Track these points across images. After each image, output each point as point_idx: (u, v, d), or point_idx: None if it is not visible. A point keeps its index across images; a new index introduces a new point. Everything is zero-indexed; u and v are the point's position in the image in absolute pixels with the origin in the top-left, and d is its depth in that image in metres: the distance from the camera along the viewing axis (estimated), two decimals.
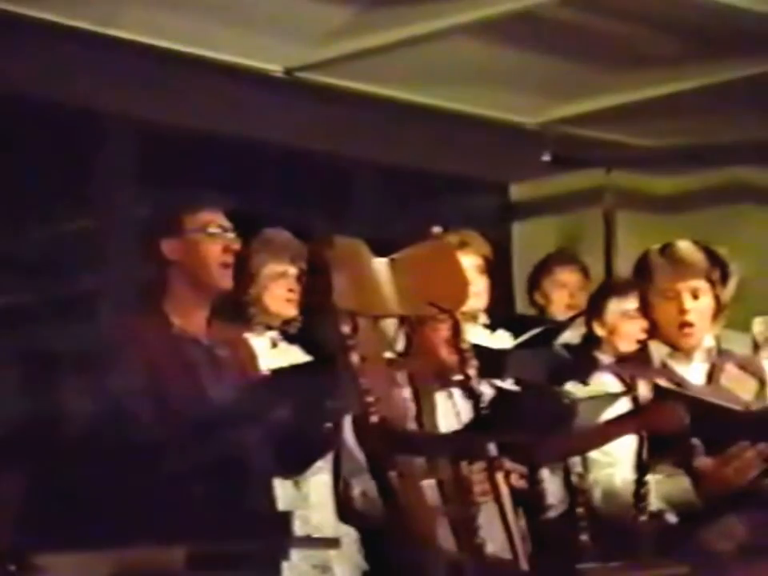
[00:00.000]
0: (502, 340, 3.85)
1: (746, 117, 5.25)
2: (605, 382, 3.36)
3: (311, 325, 3.49)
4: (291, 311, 3.53)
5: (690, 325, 3.33)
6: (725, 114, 5.22)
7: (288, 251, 3.52)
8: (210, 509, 2.78)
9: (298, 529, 3.26)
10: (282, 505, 3.25)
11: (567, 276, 4.82)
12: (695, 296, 3.35)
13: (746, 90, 5.00)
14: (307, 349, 3.46)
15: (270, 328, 3.55)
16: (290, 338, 3.54)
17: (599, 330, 4.12)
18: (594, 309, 4.18)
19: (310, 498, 3.28)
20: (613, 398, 3.10)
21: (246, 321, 3.50)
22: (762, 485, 3.15)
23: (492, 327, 3.97)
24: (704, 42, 4.71)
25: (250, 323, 3.51)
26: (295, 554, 3.21)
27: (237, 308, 3.48)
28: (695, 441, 3.12)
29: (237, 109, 4.73)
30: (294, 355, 3.44)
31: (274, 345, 3.55)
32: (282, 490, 3.25)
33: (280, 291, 3.53)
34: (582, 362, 3.58)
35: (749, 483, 3.11)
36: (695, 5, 4.32)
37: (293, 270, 3.51)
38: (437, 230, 2.98)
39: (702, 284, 3.36)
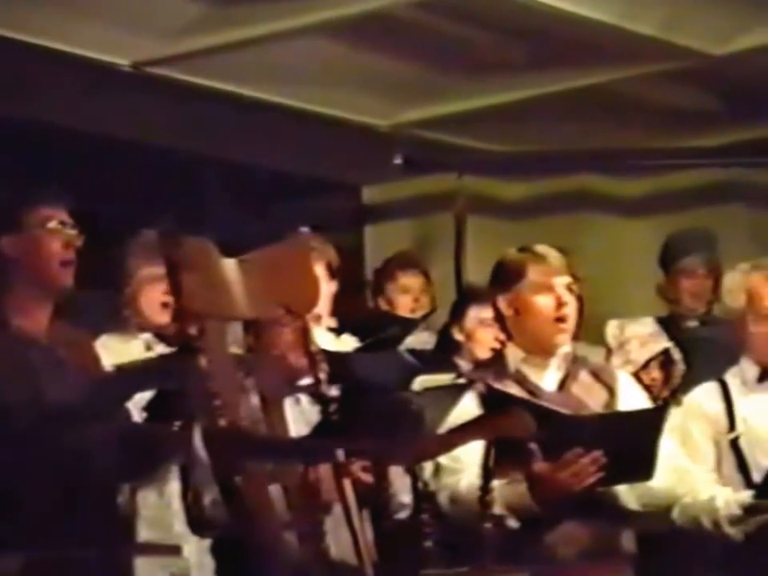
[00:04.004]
0: (348, 344, 3.83)
1: (593, 125, 5.35)
2: None
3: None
4: (165, 316, 3.45)
5: (566, 319, 3.26)
6: (573, 121, 5.31)
7: None
8: (47, 515, 2.69)
9: (160, 536, 3.20)
10: (144, 512, 3.19)
11: (410, 280, 4.82)
12: (570, 290, 3.29)
13: (593, 99, 5.09)
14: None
15: (144, 330, 3.48)
16: (169, 341, 3.43)
17: (458, 336, 4.19)
18: (454, 314, 4.24)
19: (172, 506, 3.21)
20: (457, 389, 3.09)
21: (121, 323, 3.44)
22: (600, 492, 3.17)
23: (340, 330, 3.95)
24: (554, 51, 4.78)
25: (125, 325, 3.44)
26: (151, 562, 3.13)
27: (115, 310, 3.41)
28: (533, 446, 3.11)
29: (82, 102, 4.62)
30: None
31: (149, 348, 3.48)
32: (145, 498, 3.20)
33: (155, 294, 3.47)
34: (440, 367, 3.57)
35: (587, 490, 3.12)
36: (546, 14, 4.38)
37: None
38: (304, 230, 2.94)
39: (570, 282, 3.30)
